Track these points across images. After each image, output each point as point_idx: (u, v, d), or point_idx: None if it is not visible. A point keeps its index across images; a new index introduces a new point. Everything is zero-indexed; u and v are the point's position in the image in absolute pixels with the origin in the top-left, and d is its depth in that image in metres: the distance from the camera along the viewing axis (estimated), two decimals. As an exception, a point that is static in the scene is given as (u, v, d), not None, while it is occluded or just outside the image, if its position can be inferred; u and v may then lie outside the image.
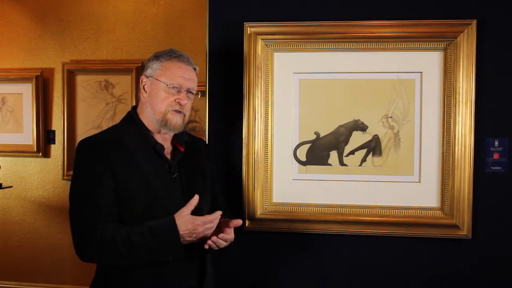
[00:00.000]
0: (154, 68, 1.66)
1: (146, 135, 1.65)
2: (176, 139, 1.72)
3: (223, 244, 1.61)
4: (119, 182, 1.56)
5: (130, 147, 1.60)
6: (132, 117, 1.69)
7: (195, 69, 1.70)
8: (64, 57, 4.05)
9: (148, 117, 1.66)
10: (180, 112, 1.64)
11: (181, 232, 1.51)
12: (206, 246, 1.58)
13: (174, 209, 1.56)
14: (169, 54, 1.66)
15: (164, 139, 1.68)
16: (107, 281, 1.61)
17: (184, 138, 1.74)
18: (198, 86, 1.72)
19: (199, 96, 1.77)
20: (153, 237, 1.50)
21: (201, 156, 1.80)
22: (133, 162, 1.58)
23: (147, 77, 1.67)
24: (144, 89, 1.67)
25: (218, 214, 1.56)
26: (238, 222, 1.65)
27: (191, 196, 1.61)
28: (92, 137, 1.65)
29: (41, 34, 4.08)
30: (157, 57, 1.67)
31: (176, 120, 1.63)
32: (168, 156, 1.69)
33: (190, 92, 1.67)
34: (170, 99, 1.62)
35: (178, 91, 1.63)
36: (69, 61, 4.04)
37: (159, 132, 1.67)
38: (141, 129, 1.66)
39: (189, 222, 1.51)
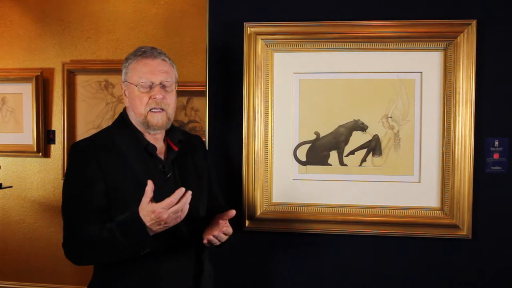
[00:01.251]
0: (125, 72, 1.65)
1: (138, 136, 1.64)
2: (170, 138, 1.70)
3: (224, 238, 1.58)
4: (112, 184, 1.55)
5: (122, 149, 1.60)
6: (124, 119, 1.68)
7: (164, 60, 1.64)
8: (64, 57, 4.05)
9: (134, 120, 1.65)
10: (160, 110, 1.60)
11: (147, 224, 1.44)
12: (205, 241, 1.56)
13: None
14: (135, 54, 1.64)
15: (156, 139, 1.66)
16: (104, 282, 1.60)
17: (178, 137, 1.71)
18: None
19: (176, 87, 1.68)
20: (122, 233, 1.46)
21: (196, 155, 1.77)
22: (125, 164, 1.57)
23: (123, 82, 1.67)
24: (125, 95, 1.67)
25: (178, 192, 1.44)
26: (232, 213, 1.59)
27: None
28: (84, 140, 1.64)
29: (41, 34, 4.08)
30: (126, 59, 1.66)
31: (157, 120, 1.60)
32: (162, 156, 1.67)
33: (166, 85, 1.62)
34: (145, 98, 1.60)
35: (150, 88, 1.60)
36: (69, 61, 4.03)
37: (149, 133, 1.65)
38: (132, 130, 1.65)
39: (150, 211, 1.43)
